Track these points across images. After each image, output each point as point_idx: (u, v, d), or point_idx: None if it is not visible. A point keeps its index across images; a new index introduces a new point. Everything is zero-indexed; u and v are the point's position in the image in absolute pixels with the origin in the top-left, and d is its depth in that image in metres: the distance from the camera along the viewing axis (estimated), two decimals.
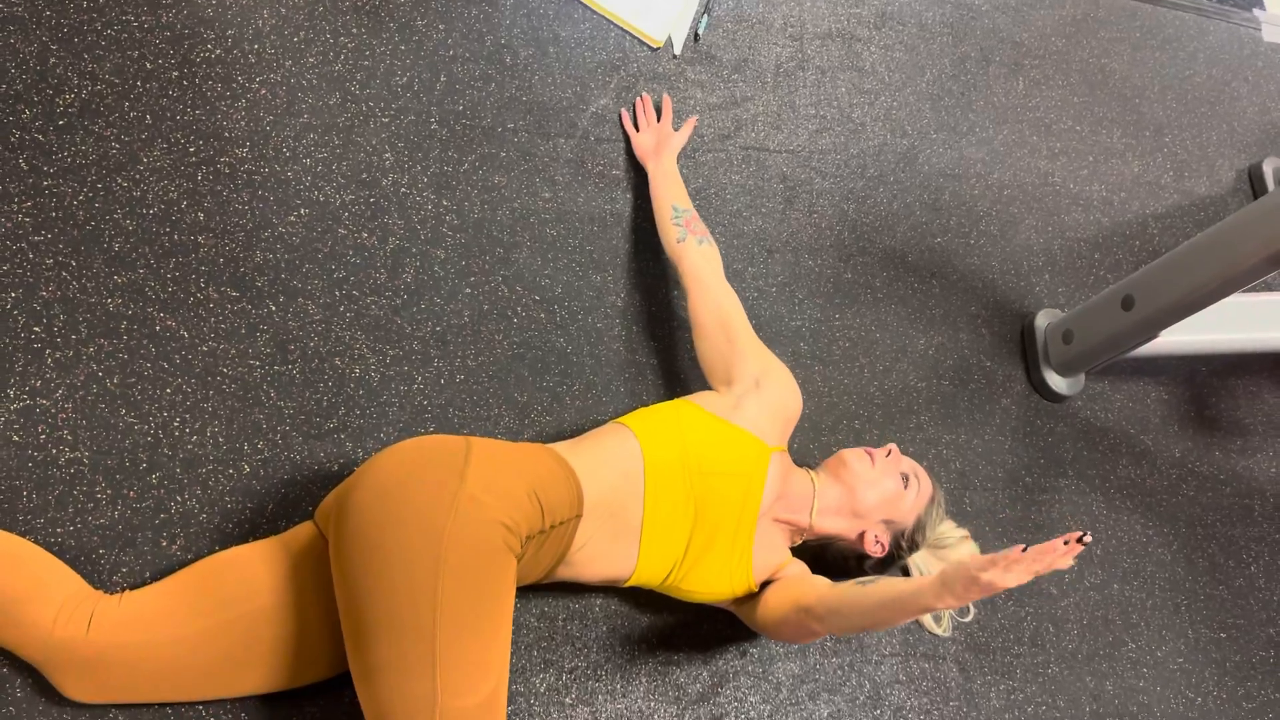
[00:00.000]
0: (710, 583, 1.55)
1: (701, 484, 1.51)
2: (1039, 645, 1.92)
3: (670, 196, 1.84)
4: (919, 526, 1.65)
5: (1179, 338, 2.08)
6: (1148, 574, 2.07)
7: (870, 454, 1.65)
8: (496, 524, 1.27)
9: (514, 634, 1.59)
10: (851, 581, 1.38)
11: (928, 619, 1.80)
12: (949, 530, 1.73)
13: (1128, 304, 1.93)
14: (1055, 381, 2.13)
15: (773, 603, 1.51)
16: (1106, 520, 2.09)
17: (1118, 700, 1.93)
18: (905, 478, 1.64)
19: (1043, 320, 2.18)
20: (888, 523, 1.63)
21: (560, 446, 1.51)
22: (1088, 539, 1.11)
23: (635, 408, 1.82)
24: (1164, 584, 2.08)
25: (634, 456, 1.50)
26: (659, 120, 2.03)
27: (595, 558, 1.49)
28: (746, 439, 1.55)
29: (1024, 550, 1.13)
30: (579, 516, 1.43)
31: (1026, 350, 2.18)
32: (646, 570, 1.52)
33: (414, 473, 1.29)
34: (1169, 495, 2.18)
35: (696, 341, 1.70)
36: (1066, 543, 1.11)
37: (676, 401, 1.59)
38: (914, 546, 1.67)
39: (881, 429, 1.99)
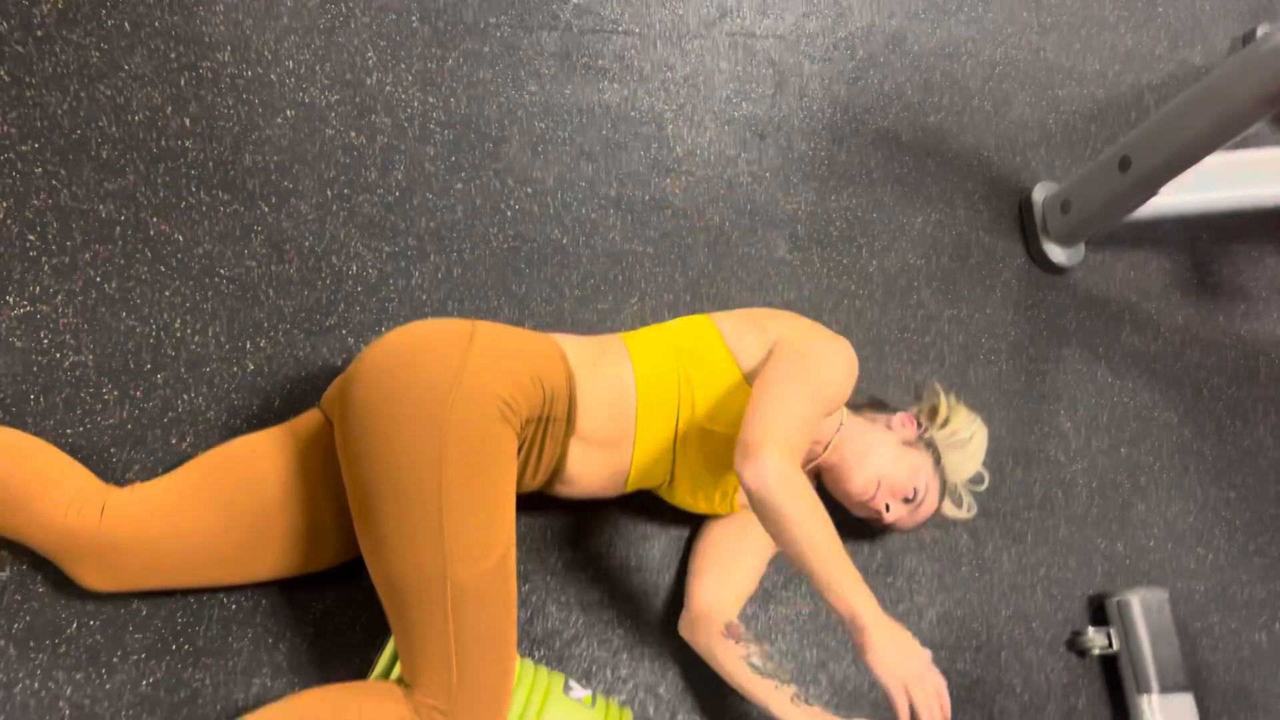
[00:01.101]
0: (691, 505, 1.57)
1: (694, 432, 1.46)
2: (1048, 510, 1.94)
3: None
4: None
5: (1178, 199, 2.07)
6: (1155, 437, 2.08)
7: (874, 493, 1.57)
8: (498, 400, 1.27)
9: (526, 514, 1.60)
10: (737, 650, 1.46)
11: (949, 505, 1.75)
12: (964, 424, 1.71)
13: (1125, 164, 1.92)
14: (1055, 253, 2.12)
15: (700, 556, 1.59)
16: (1111, 387, 2.09)
17: (1129, 560, 1.95)
18: (882, 511, 1.60)
19: (1040, 193, 2.17)
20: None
21: (564, 343, 1.47)
22: None
23: (633, 295, 1.82)
24: (1171, 446, 2.09)
25: (628, 392, 1.44)
26: None
27: (587, 485, 1.48)
28: None
29: None
30: (573, 423, 1.40)
31: (1025, 224, 2.17)
32: (635, 487, 1.53)
33: (418, 351, 1.29)
34: (1174, 360, 2.18)
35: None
36: None
37: (700, 320, 1.51)
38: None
39: (882, 306, 1.99)
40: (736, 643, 1.48)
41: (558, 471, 1.44)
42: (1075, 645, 1.84)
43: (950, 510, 1.72)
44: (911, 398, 1.92)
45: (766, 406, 1.33)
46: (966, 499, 1.74)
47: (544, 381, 1.35)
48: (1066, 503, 1.95)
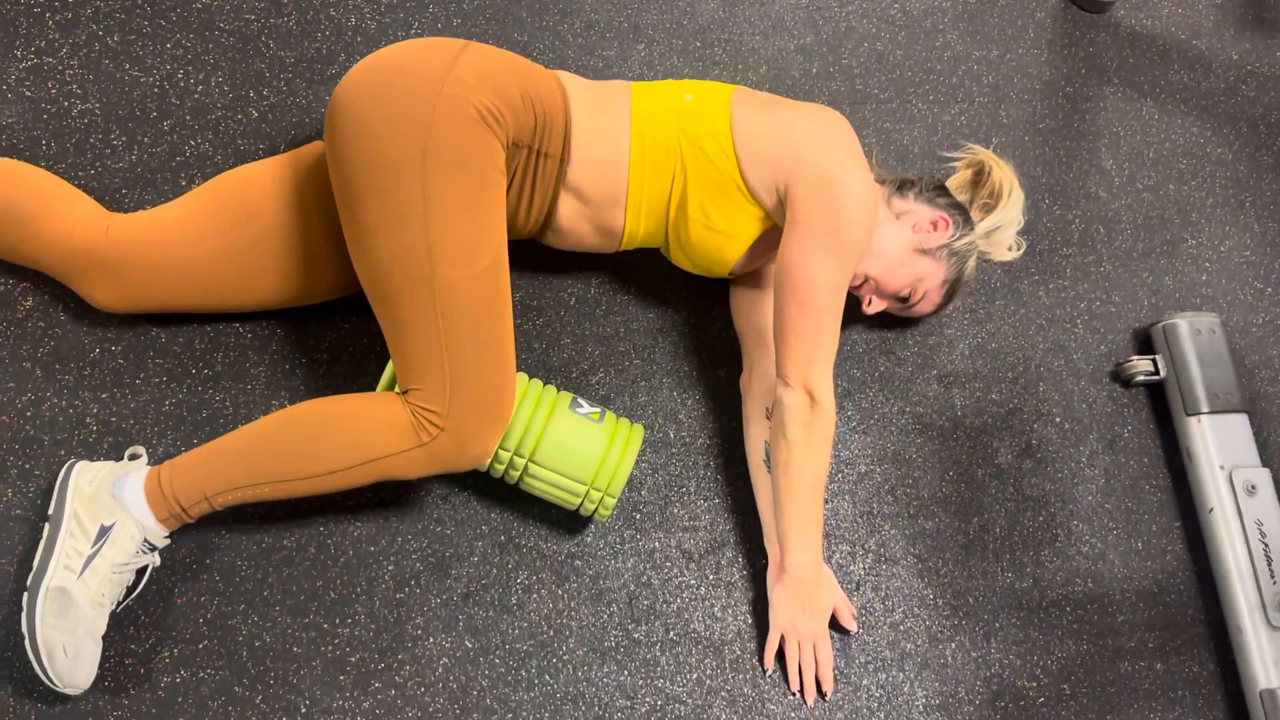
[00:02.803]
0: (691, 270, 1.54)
1: (684, 221, 1.43)
2: (1089, 245, 1.86)
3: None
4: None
5: None
6: (1207, 173, 1.97)
7: (860, 286, 1.54)
8: (482, 107, 1.25)
9: (533, 247, 1.60)
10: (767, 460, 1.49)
11: (1000, 249, 1.58)
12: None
13: None
14: None
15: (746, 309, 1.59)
16: (1158, 124, 1.98)
17: (1179, 294, 1.86)
18: (864, 303, 1.56)
19: None
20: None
21: (566, 81, 1.43)
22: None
23: (639, 43, 1.78)
24: (1225, 182, 1.97)
25: (621, 162, 1.40)
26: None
27: (579, 240, 1.47)
28: (750, 213, 1.43)
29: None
30: (565, 168, 1.38)
31: None
32: (629, 248, 1.52)
33: (408, 56, 1.28)
34: (1227, 97, 2.05)
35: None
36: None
37: (717, 100, 1.42)
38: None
39: (905, 49, 1.91)
40: None
41: (549, 220, 1.43)
42: (1119, 375, 1.77)
43: (998, 255, 1.59)
44: (939, 139, 1.85)
45: (806, 331, 1.38)
46: (1016, 244, 1.62)
47: (535, 104, 1.33)
48: (1109, 238, 1.87)
